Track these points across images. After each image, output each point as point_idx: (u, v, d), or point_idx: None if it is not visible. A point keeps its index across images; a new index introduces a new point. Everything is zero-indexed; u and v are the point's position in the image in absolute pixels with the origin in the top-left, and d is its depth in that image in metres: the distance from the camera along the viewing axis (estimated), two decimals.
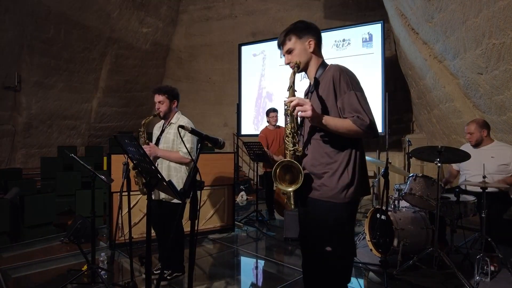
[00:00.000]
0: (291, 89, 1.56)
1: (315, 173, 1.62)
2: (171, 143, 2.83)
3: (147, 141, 2.83)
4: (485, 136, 3.20)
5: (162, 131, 2.92)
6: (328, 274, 1.60)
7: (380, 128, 6.16)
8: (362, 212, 5.24)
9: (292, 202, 1.60)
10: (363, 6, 7.76)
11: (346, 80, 1.55)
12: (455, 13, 3.27)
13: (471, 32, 3.14)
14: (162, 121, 3.00)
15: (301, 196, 1.67)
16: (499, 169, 3.07)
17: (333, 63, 1.71)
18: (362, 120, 1.49)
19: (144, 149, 2.63)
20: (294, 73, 1.62)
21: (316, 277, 1.65)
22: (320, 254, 1.58)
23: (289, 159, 1.55)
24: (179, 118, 2.90)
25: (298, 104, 1.47)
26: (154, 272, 2.88)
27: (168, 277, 2.84)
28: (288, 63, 1.70)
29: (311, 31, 1.67)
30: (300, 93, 1.73)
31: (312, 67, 1.70)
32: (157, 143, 2.90)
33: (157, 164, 2.85)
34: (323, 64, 1.70)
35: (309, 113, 1.44)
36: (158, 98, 2.83)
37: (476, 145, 3.25)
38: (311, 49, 1.67)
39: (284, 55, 1.72)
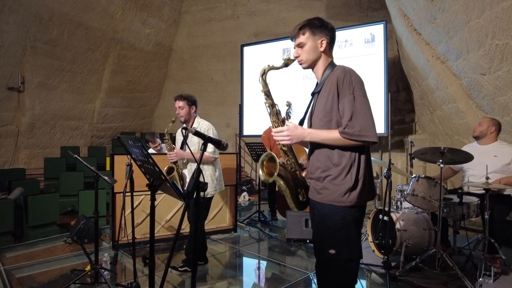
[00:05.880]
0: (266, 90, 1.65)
1: (317, 176, 1.62)
2: (197, 145, 3.07)
3: (173, 146, 3.12)
4: (490, 133, 3.19)
5: (186, 136, 3.13)
6: (334, 276, 1.59)
7: (382, 129, 6.15)
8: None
9: (294, 206, 1.67)
10: (366, 6, 7.76)
11: (349, 82, 1.53)
12: (458, 13, 3.27)
13: (474, 32, 3.14)
14: (183, 126, 3.21)
15: (306, 199, 1.73)
16: (503, 169, 3.07)
17: (340, 64, 1.70)
18: (348, 132, 1.49)
19: (171, 155, 2.99)
20: (263, 73, 1.65)
21: (324, 278, 1.65)
22: (325, 256, 1.58)
23: (272, 153, 1.68)
24: (199, 122, 3.15)
25: (277, 136, 1.59)
26: (179, 269, 3.05)
27: (179, 269, 3.02)
28: (296, 57, 1.70)
29: (325, 30, 1.65)
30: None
31: (320, 67, 1.69)
32: (181, 147, 3.12)
33: (188, 166, 3.13)
34: (331, 65, 1.68)
35: (286, 142, 1.59)
36: (178, 103, 3.07)
37: (477, 138, 3.25)
38: (322, 48, 1.65)
39: (294, 48, 1.71)
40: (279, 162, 1.65)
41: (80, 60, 7.56)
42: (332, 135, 1.54)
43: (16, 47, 6.34)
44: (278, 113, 1.68)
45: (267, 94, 1.66)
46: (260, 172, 1.70)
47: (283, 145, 1.69)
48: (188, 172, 3.13)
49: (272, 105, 1.67)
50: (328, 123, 1.59)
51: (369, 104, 1.55)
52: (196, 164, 2.94)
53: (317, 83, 1.75)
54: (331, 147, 1.58)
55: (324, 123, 1.60)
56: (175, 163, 3.07)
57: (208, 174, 3.11)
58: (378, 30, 6.34)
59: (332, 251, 1.55)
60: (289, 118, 3.26)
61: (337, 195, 1.55)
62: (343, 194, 1.54)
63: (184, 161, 3.15)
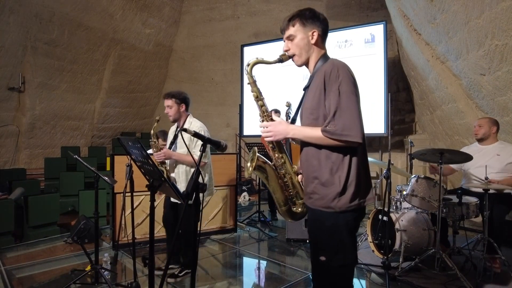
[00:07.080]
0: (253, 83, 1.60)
1: (307, 179, 1.54)
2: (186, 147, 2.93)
3: (160, 146, 2.94)
4: (493, 133, 3.21)
5: (176, 136, 2.98)
6: (329, 281, 1.51)
7: (382, 129, 6.15)
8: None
9: (285, 213, 1.68)
10: (366, 6, 7.76)
11: (335, 76, 1.40)
12: (458, 14, 3.27)
13: (473, 33, 3.14)
14: (176, 125, 3.07)
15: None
16: (506, 168, 3.08)
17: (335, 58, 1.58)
18: (329, 130, 1.37)
19: (159, 155, 2.78)
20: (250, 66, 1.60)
21: (319, 283, 1.59)
22: (318, 261, 1.50)
23: (255, 149, 1.61)
24: (191, 122, 2.96)
25: (262, 131, 1.52)
26: (179, 275, 2.96)
27: (179, 274, 2.94)
28: (286, 50, 1.57)
29: (316, 22, 1.53)
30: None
31: (313, 60, 1.57)
32: (170, 147, 2.97)
33: (176, 169, 2.95)
34: (324, 57, 1.56)
35: (269, 138, 1.51)
36: (166, 102, 2.92)
37: (481, 140, 3.26)
38: (313, 41, 1.53)
39: (284, 41, 1.59)
40: (259, 158, 1.56)
41: (81, 60, 7.57)
42: (314, 133, 1.42)
43: (17, 47, 6.35)
44: (263, 105, 1.58)
45: (252, 86, 1.59)
46: (248, 164, 1.64)
47: (269, 142, 1.58)
48: (176, 176, 2.95)
49: (257, 97, 1.58)
50: (315, 121, 1.47)
51: (356, 101, 1.41)
52: (184, 166, 2.89)
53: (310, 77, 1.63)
54: (318, 146, 1.46)
55: (310, 121, 1.49)
56: (162, 163, 2.90)
57: None
58: (378, 30, 6.34)
59: (322, 258, 1.45)
60: (289, 119, 3.26)
61: (326, 200, 1.44)
62: (332, 199, 1.43)
63: (174, 165, 2.97)
